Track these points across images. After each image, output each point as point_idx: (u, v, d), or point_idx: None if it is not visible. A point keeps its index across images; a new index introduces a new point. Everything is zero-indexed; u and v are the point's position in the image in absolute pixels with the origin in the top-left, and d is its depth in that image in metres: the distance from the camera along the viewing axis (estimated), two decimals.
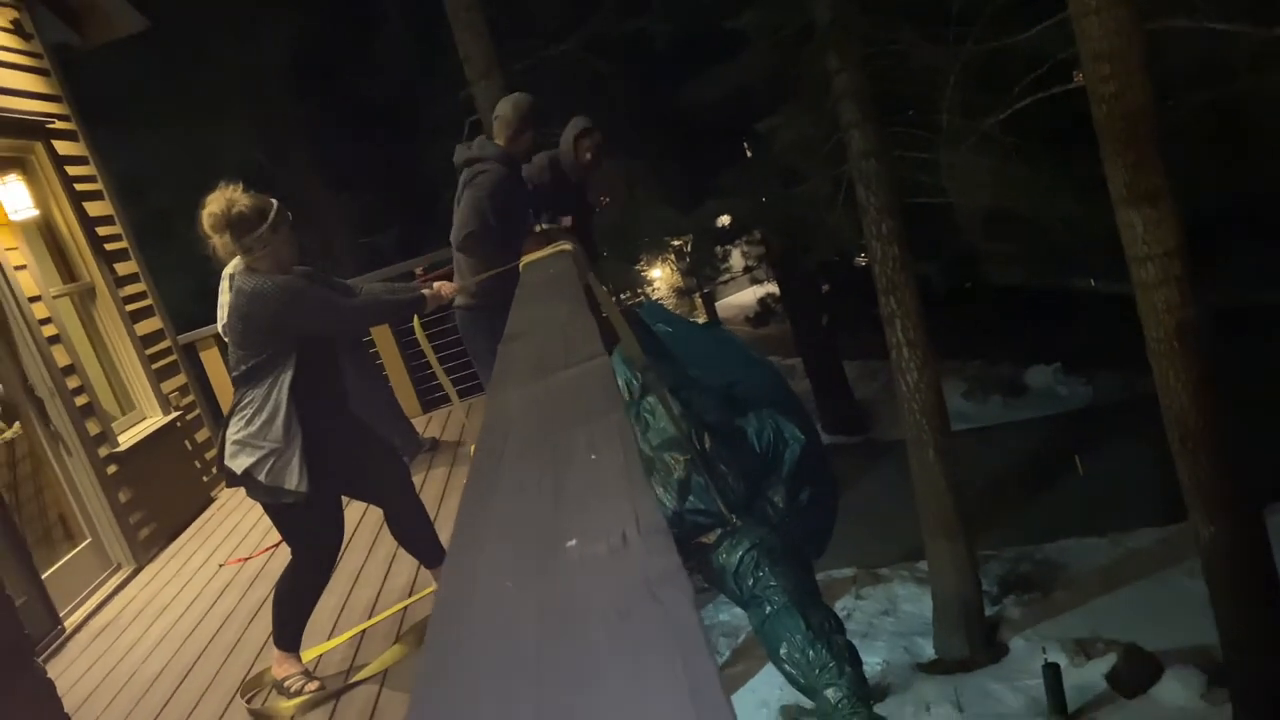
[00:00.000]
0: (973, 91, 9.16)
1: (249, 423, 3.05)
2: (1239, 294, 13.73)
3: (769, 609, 3.50)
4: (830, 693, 3.36)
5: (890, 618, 10.65)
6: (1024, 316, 16.02)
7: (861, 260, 13.55)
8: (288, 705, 3.15)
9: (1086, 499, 11.69)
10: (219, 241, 3.05)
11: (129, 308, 6.17)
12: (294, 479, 3.02)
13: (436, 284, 3.51)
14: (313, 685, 3.20)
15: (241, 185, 3.10)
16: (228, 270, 3.39)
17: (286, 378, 3.04)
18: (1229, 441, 6.90)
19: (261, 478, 3.05)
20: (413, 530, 3.48)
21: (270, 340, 3.04)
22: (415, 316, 4.18)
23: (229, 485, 3.30)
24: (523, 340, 1.86)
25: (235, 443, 3.08)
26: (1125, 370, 13.39)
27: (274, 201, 3.13)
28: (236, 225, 3.01)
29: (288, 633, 3.27)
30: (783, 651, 3.48)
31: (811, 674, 3.40)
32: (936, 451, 9.78)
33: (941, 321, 10.47)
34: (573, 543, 0.78)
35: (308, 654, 3.45)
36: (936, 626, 9.93)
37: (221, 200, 3.02)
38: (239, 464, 3.07)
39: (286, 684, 3.21)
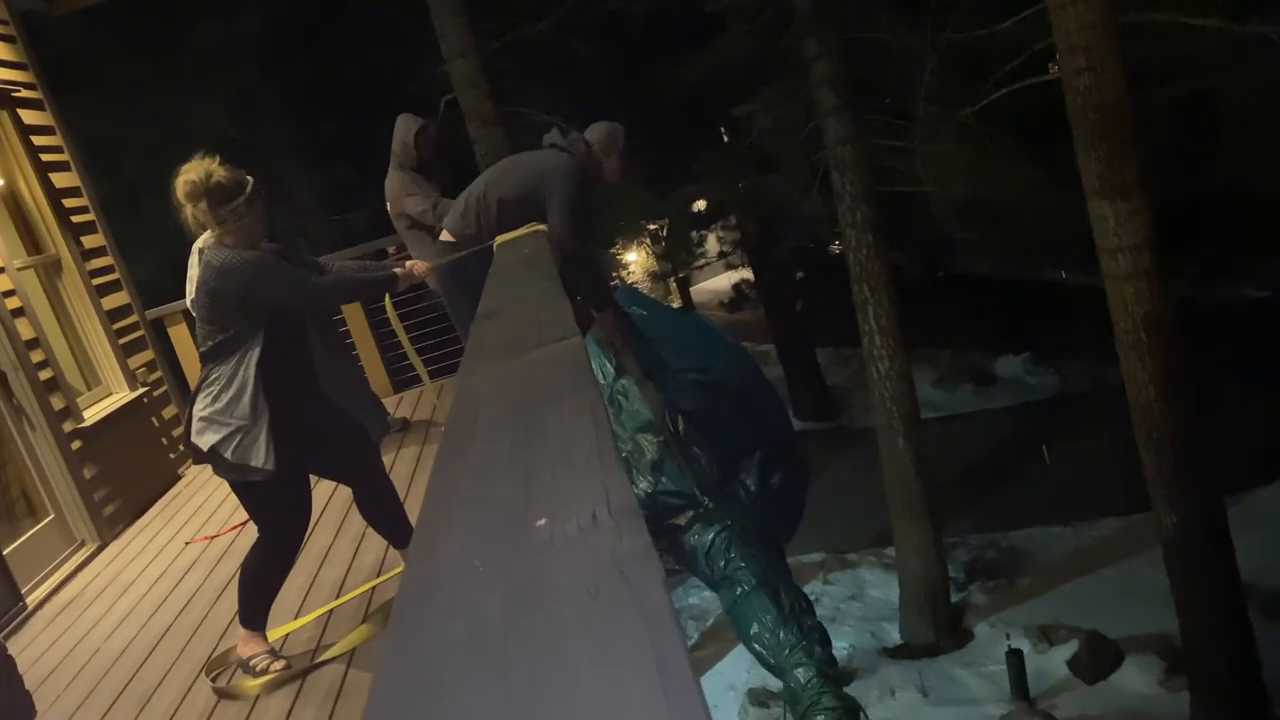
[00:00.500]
0: (950, 81, 9.20)
1: (216, 399, 3.02)
2: (1207, 288, 13.92)
3: (740, 590, 3.52)
4: (800, 673, 3.39)
5: (857, 603, 10.74)
6: (995, 307, 16.15)
7: (836, 247, 13.57)
8: (253, 684, 3.13)
9: (1053, 488, 11.82)
10: (192, 210, 3.01)
11: (96, 281, 6.08)
12: (260, 457, 2.99)
13: (409, 263, 3.48)
14: (279, 664, 3.18)
15: (219, 158, 3.06)
16: (198, 245, 3.33)
17: (254, 354, 3.00)
18: (1193, 433, 7.00)
19: (228, 455, 3.02)
20: (382, 510, 3.46)
21: (238, 315, 3.00)
22: (387, 296, 4.15)
23: (195, 462, 3.27)
24: (496, 318, 1.84)
25: (202, 419, 3.04)
26: (1093, 362, 13.56)
27: (250, 177, 3.09)
28: (213, 195, 2.97)
29: (254, 612, 3.25)
30: (753, 632, 3.51)
31: (781, 655, 3.43)
32: (906, 439, 9.85)
33: (913, 310, 10.51)
34: (543, 521, 0.77)
35: (274, 633, 3.42)
36: (903, 612, 10.02)
37: (200, 169, 2.98)
38: (205, 441, 3.04)
39: (252, 663, 3.19)
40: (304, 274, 3.15)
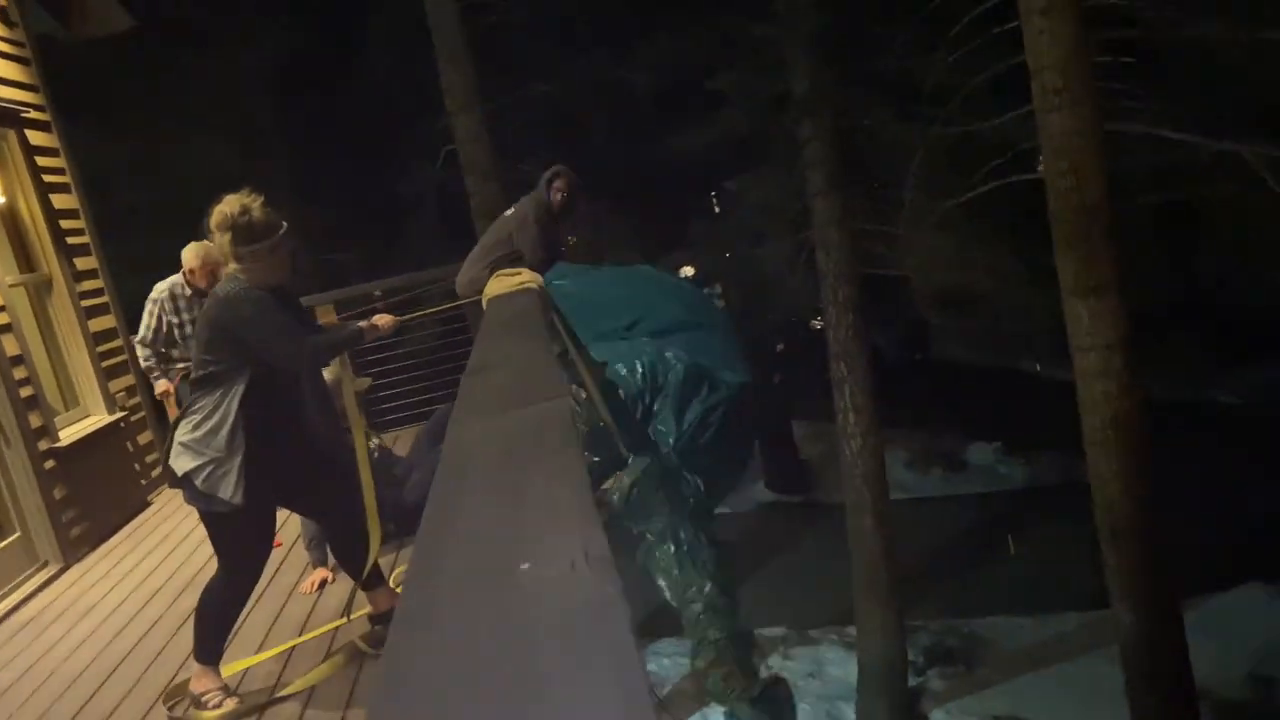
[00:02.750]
0: (938, 171, 9.45)
1: (196, 428, 3.08)
2: (1179, 389, 14.17)
3: (649, 539, 3.63)
4: (694, 608, 3.49)
5: (816, 680, 10.70)
6: (970, 394, 16.35)
7: (817, 324, 13.77)
8: (209, 716, 3.14)
9: (1017, 578, 11.88)
10: (218, 239, 3.11)
11: (84, 303, 6.13)
12: (229, 490, 3.04)
13: (375, 317, 3.56)
14: (231, 702, 3.19)
15: (263, 199, 3.14)
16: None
17: (239, 389, 3.06)
18: (1155, 533, 7.09)
19: (198, 483, 3.08)
20: (351, 551, 3.51)
21: (230, 349, 3.07)
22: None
23: (170, 485, 3.31)
24: (485, 374, 1.93)
25: (181, 444, 3.10)
26: (1064, 455, 13.68)
27: (285, 224, 3.17)
28: (240, 231, 3.06)
29: (208, 646, 3.27)
30: (660, 581, 3.62)
31: (679, 591, 3.53)
32: (875, 518, 9.92)
33: (889, 391, 10.66)
34: (526, 565, 0.85)
35: (234, 667, 3.44)
36: (860, 693, 10.00)
37: (236, 204, 3.08)
38: (180, 465, 3.10)
39: (204, 698, 3.20)
40: (296, 328, 3.17)
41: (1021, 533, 12.58)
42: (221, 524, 3.16)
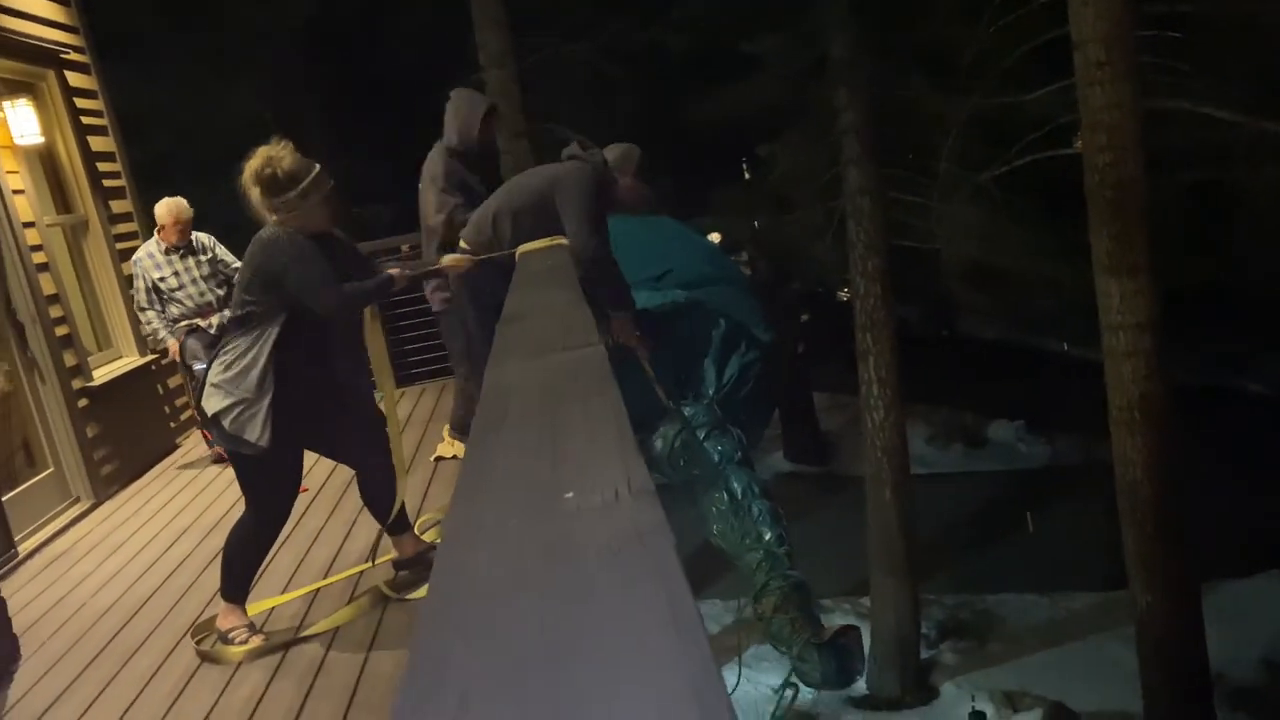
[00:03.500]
0: (973, 144, 9.35)
1: (228, 368, 3.11)
2: (1208, 373, 14.03)
3: (697, 488, 3.69)
4: (750, 558, 3.54)
5: None
6: (994, 370, 16.24)
7: (844, 295, 13.71)
8: (235, 651, 3.20)
9: (1033, 556, 11.85)
10: (253, 194, 3.13)
11: (119, 246, 6.19)
12: (255, 432, 3.07)
13: (446, 258, 3.60)
14: (257, 638, 3.25)
15: (291, 145, 3.15)
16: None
17: (273, 333, 3.09)
18: (1176, 516, 7.07)
19: (226, 424, 3.11)
20: (381, 495, 3.55)
21: (267, 292, 3.10)
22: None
23: (200, 426, 3.38)
24: (522, 322, 1.94)
25: (213, 384, 3.14)
26: (1086, 435, 13.60)
27: (316, 167, 3.16)
28: (268, 184, 3.08)
29: (235, 584, 3.33)
30: (714, 529, 3.67)
31: (734, 542, 3.58)
32: (893, 491, 9.92)
33: (914, 365, 10.61)
34: (570, 495, 0.87)
35: (259, 605, 3.51)
36: (872, 663, 10.05)
37: (263, 156, 3.10)
38: (210, 405, 3.13)
39: (230, 635, 3.27)
40: (331, 276, 3.16)
41: (1040, 511, 12.54)
42: (248, 465, 3.21)
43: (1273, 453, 12.22)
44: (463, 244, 4.39)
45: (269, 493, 3.29)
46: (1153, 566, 7.12)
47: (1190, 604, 7.26)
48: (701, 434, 3.78)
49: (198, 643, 3.31)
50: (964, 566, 11.98)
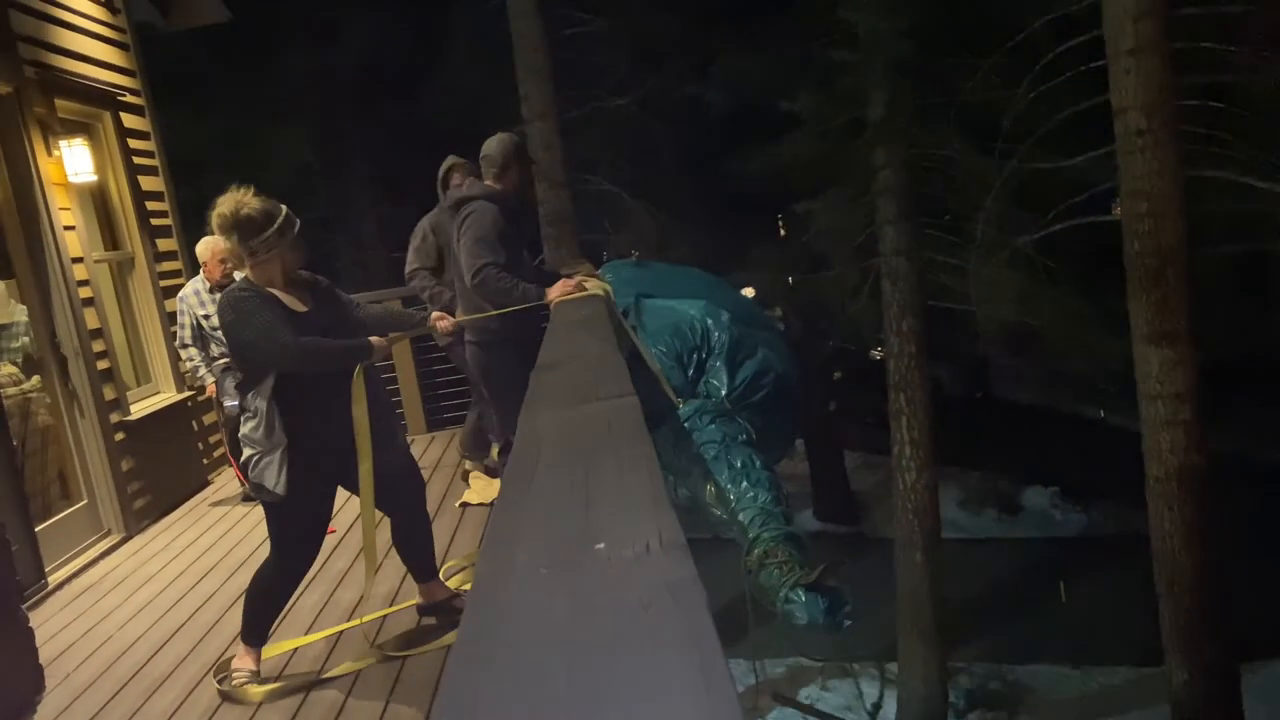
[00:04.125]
0: (1011, 207, 9.33)
1: (247, 423, 3.20)
2: (1248, 446, 13.78)
3: (698, 469, 3.70)
4: (743, 516, 3.51)
5: (853, 714, 10.56)
6: (1029, 436, 16.07)
7: (877, 354, 13.65)
8: (256, 691, 3.19)
9: (1066, 628, 11.62)
10: (230, 240, 3.15)
11: (162, 284, 6.30)
12: (272, 479, 3.12)
13: (433, 316, 3.65)
14: (258, 688, 3.22)
15: (252, 189, 3.16)
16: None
17: (266, 386, 3.13)
18: (1215, 592, 6.91)
19: (251, 473, 3.20)
20: (414, 542, 3.55)
21: (234, 352, 3.18)
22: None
23: (232, 463, 3.43)
24: (556, 371, 1.95)
25: (243, 436, 3.20)
26: (1122, 505, 13.38)
27: (283, 207, 3.20)
28: (243, 227, 3.09)
29: (254, 627, 3.34)
30: (709, 492, 3.67)
31: (729, 507, 3.57)
32: (924, 554, 9.79)
33: (948, 427, 10.52)
34: (601, 545, 0.87)
35: (282, 646, 3.50)
36: None
37: (230, 202, 3.11)
38: (244, 456, 3.21)
39: (235, 677, 3.26)
40: (277, 328, 3.09)
41: (1074, 581, 12.31)
42: (273, 511, 3.25)
43: None
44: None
45: (293, 538, 3.31)
46: (1190, 643, 6.95)
47: (1229, 683, 7.07)
48: (707, 419, 3.83)
49: (219, 681, 3.30)
50: (995, 635, 11.75)
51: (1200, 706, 6.98)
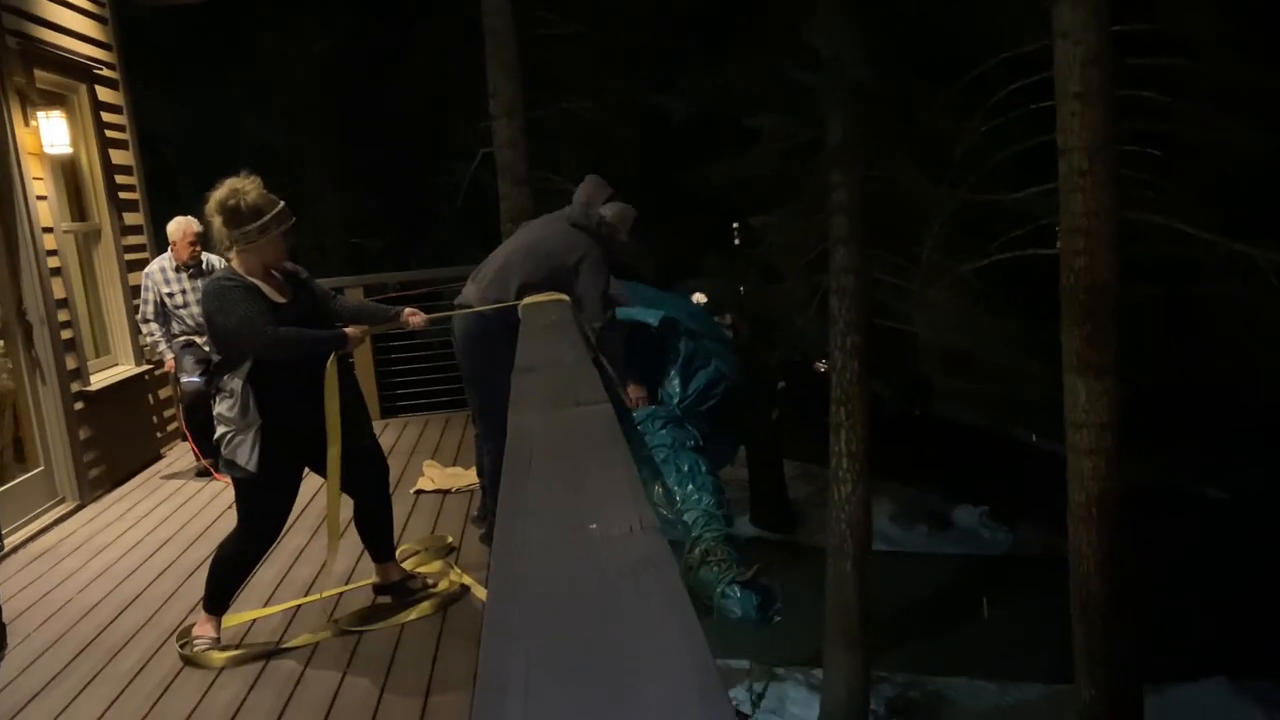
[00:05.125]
0: (957, 235, 9.69)
1: (220, 402, 3.31)
2: (1168, 477, 14.35)
3: (645, 471, 3.96)
4: (689, 514, 3.77)
5: (777, 717, 10.86)
6: (963, 455, 16.53)
7: (821, 366, 14.00)
8: (218, 657, 3.34)
9: (986, 643, 12.02)
10: (215, 223, 3.32)
11: (127, 257, 6.37)
12: (245, 456, 3.25)
13: (406, 312, 3.79)
14: (220, 654, 3.38)
15: (259, 180, 3.31)
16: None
17: (243, 369, 3.27)
18: (1125, 613, 7.27)
19: (224, 450, 3.31)
20: (375, 524, 3.71)
21: (214, 337, 3.31)
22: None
23: (187, 439, 3.53)
24: (535, 374, 2.15)
25: (217, 415, 3.32)
26: (1048, 527, 13.86)
27: (279, 204, 3.33)
28: (230, 215, 3.25)
29: (217, 597, 3.49)
30: (657, 493, 3.93)
31: (673, 504, 3.82)
32: (854, 564, 10.09)
33: (885, 442, 10.85)
34: (594, 526, 1.07)
35: (240, 617, 3.66)
36: None
37: (229, 188, 3.26)
38: (217, 434, 3.33)
39: (196, 644, 3.41)
40: (256, 318, 3.23)
41: (997, 598, 12.74)
42: (243, 486, 3.39)
43: (1228, 560, 12.51)
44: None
45: (260, 514, 3.47)
46: (1098, 662, 7.31)
47: (1132, 702, 7.44)
48: (658, 424, 4.10)
49: (181, 646, 3.44)
50: (918, 646, 12.13)
51: None
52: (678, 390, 4.35)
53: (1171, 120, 8.06)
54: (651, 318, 4.61)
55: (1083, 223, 6.93)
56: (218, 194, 3.26)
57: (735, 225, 15.78)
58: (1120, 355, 7.03)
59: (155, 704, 3.09)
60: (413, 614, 3.58)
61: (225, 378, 3.29)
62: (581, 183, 4.75)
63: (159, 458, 6.41)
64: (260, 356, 3.25)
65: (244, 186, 3.26)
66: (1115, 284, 6.96)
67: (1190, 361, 12.14)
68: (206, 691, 3.14)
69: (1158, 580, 10.48)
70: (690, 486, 3.93)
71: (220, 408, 3.30)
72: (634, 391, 4.30)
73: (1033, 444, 15.80)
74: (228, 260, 3.42)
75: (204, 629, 3.46)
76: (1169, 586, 11.37)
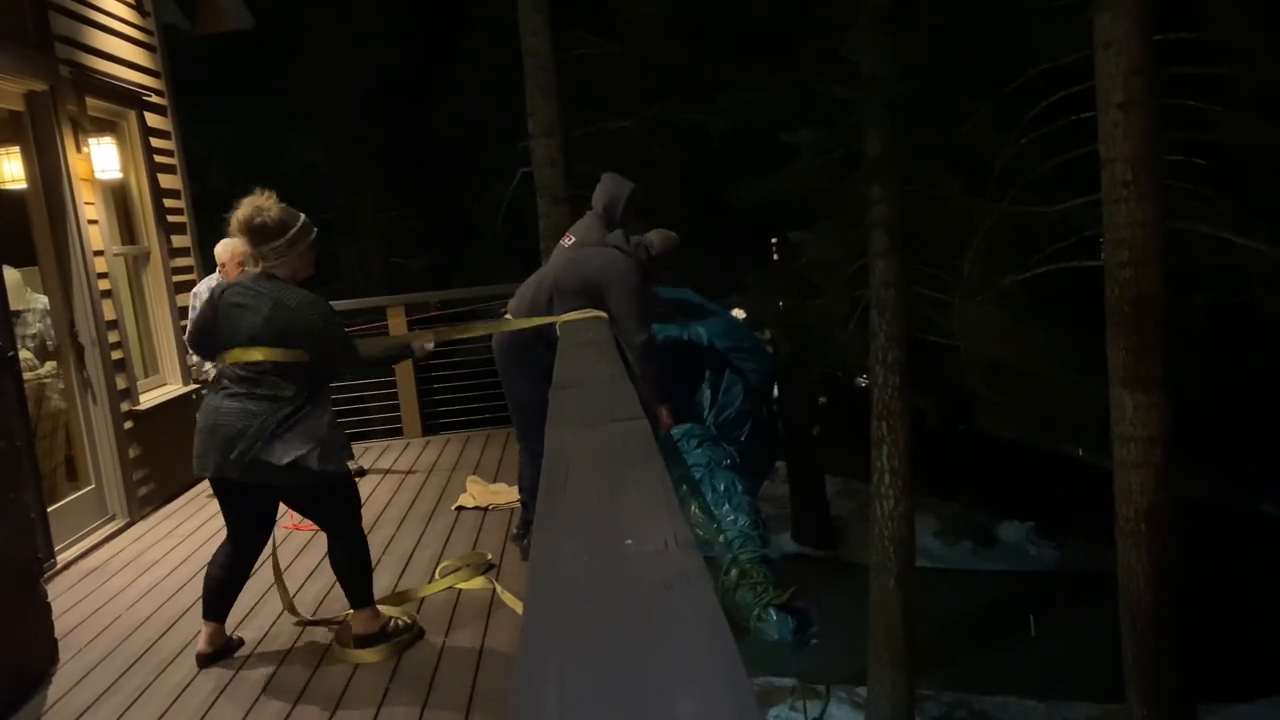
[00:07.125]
0: (999, 247, 9.62)
1: (307, 417, 3.25)
2: (1220, 492, 14.06)
3: (683, 488, 3.96)
4: (726, 535, 3.77)
5: None
6: (1007, 470, 16.32)
7: (862, 381, 13.92)
8: (365, 655, 3.46)
9: (1033, 661, 11.84)
10: (242, 243, 3.40)
11: (175, 279, 6.50)
12: (346, 455, 3.36)
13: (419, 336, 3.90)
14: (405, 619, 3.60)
15: (275, 195, 3.32)
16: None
17: (324, 385, 3.39)
18: (1178, 631, 7.12)
19: (314, 465, 3.20)
20: (350, 569, 3.55)
21: (306, 345, 3.27)
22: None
23: (256, 479, 3.40)
24: (572, 391, 2.17)
25: (301, 430, 3.21)
26: (1095, 543, 13.64)
27: (301, 217, 3.33)
28: (257, 233, 3.25)
29: (365, 592, 3.54)
30: (693, 513, 3.93)
31: (709, 524, 3.82)
32: (898, 582, 10.00)
33: (928, 458, 10.75)
34: (629, 542, 1.08)
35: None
36: None
37: (250, 207, 3.26)
38: (287, 455, 3.19)
39: (389, 630, 3.53)
40: (351, 338, 3.42)
41: (1044, 615, 12.54)
42: (341, 488, 3.45)
43: None
44: (507, 314, 4.59)
45: (358, 503, 3.55)
46: (1151, 680, 7.17)
47: None
48: (694, 442, 4.12)
49: (338, 642, 3.54)
50: (963, 664, 11.96)
51: None
52: (708, 405, 4.39)
53: (1217, 128, 7.95)
54: (687, 333, 4.63)
55: (1127, 234, 6.84)
56: (240, 213, 3.25)
57: (774, 241, 15.77)
58: (1171, 367, 6.91)
59: (203, 718, 3.13)
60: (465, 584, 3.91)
61: (302, 392, 3.22)
62: (599, 183, 4.85)
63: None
64: (345, 373, 3.36)
65: (264, 204, 3.27)
66: (1163, 295, 6.86)
67: (1246, 374, 11.92)
68: (250, 709, 3.17)
69: (1211, 597, 10.27)
70: (726, 506, 3.93)
71: (304, 424, 3.19)
72: (665, 416, 4.31)
73: (1079, 458, 15.55)
74: None
75: (376, 621, 3.52)
76: (1222, 603, 11.13)
